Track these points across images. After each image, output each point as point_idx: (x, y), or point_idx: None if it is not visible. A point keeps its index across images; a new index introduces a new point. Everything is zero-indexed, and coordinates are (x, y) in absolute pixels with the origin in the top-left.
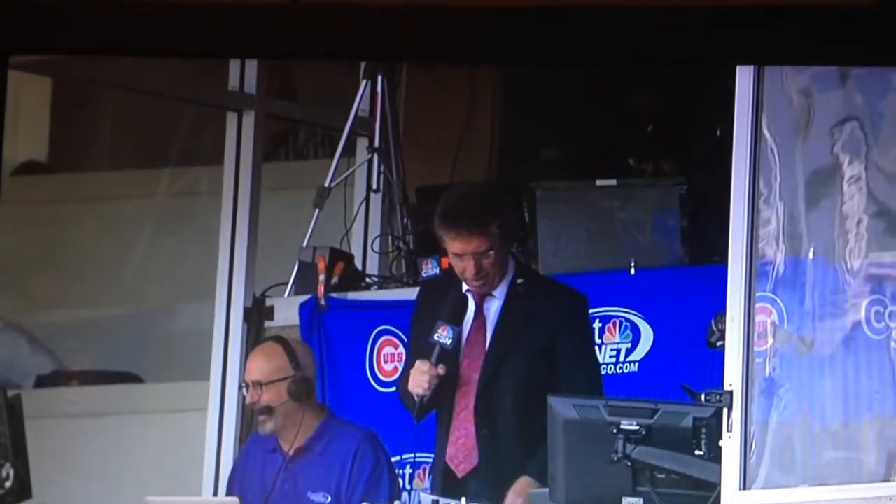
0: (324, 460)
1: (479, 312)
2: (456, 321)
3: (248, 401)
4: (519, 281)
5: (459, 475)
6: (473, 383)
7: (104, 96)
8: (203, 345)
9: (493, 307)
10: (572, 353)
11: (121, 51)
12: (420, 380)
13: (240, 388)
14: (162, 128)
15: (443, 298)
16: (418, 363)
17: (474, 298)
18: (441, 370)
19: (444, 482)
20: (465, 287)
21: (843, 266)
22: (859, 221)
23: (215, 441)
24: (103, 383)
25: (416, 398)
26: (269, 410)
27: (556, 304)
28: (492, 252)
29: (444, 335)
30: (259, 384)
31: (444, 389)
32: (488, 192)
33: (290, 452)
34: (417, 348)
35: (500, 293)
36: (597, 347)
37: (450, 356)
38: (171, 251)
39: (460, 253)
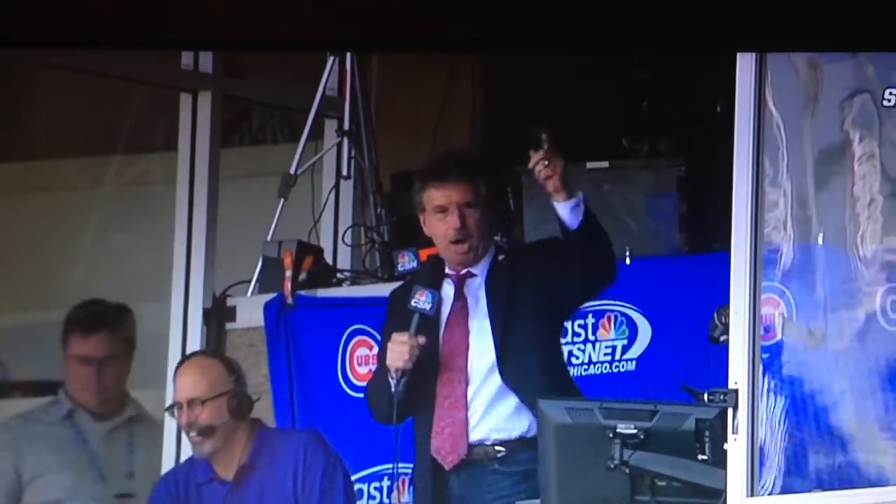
0: (271, 471)
1: (460, 295)
2: (434, 284)
3: (183, 421)
4: (500, 257)
5: (447, 467)
6: (458, 369)
7: (43, 77)
8: (158, 350)
9: (474, 286)
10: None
11: (66, 42)
12: (399, 351)
13: (169, 408)
14: (108, 111)
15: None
16: (395, 335)
17: (453, 281)
18: (421, 340)
19: (432, 479)
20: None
21: (855, 252)
22: (871, 202)
23: (173, 455)
24: (48, 394)
25: (392, 378)
26: (210, 430)
27: (539, 253)
28: (477, 206)
29: (422, 300)
30: (196, 401)
31: (424, 379)
32: (479, 158)
33: (232, 477)
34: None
35: (480, 271)
36: (590, 344)
37: (429, 332)
38: (121, 247)
39: (445, 204)
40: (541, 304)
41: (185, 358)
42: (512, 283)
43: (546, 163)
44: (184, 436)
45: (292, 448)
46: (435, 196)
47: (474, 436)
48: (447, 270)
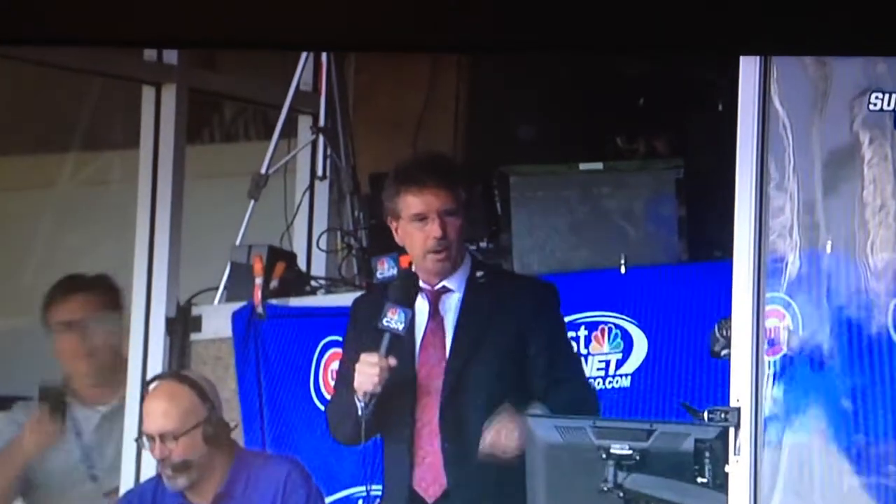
0: (248, 502)
1: (435, 312)
2: (406, 301)
3: (155, 455)
4: (478, 274)
5: (430, 500)
6: (436, 393)
7: None
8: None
9: (451, 303)
10: (549, 348)
11: (25, 39)
12: (369, 374)
13: (138, 440)
14: (65, 105)
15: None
16: (364, 356)
17: (428, 297)
18: (392, 362)
19: None
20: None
21: (865, 261)
22: (882, 208)
23: (132, 478)
24: None
25: (360, 401)
26: (185, 466)
27: (522, 295)
28: (458, 212)
29: (394, 319)
30: (169, 436)
31: (399, 404)
32: (455, 159)
33: None
34: (349, 372)
35: (457, 286)
36: (582, 358)
37: (402, 351)
38: (77, 251)
39: (424, 211)
40: (505, 357)
41: (154, 379)
42: (486, 318)
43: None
44: (145, 453)
45: (273, 478)
46: (413, 203)
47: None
48: (421, 284)
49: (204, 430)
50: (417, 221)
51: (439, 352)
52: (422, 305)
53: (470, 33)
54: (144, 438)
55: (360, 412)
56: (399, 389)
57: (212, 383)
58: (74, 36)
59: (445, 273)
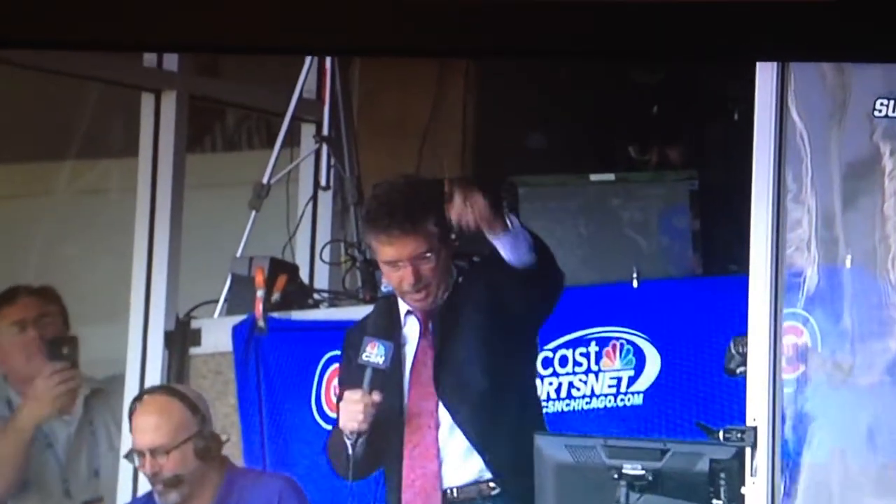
0: None
1: (426, 331)
2: (385, 335)
3: (146, 471)
4: (460, 279)
5: None
6: (426, 415)
7: None
8: (113, 377)
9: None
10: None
11: (26, 43)
12: (353, 412)
13: (128, 455)
14: (62, 112)
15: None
16: (347, 393)
17: (419, 317)
18: (376, 397)
19: None
20: (405, 308)
21: (886, 276)
22: None
23: (129, 494)
24: None
25: (348, 439)
26: (177, 481)
27: (482, 267)
28: (431, 254)
29: (374, 353)
30: (160, 450)
31: (391, 435)
32: (421, 185)
33: None
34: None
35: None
36: (592, 375)
37: (388, 382)
38: (73, 262)
39: (394, 260)
40: (487, 317)
41: (142, 394)
42: (461, 304)
43: (465, 205)
44: (140, 481)
45: (266, 496)
46: (383, 251)
47: (464, 477)
48: (411, 307)
49: (195, 443)
50: (390, 267)
51: (429, 369)
52: (412, 326)
53: (478, 40)
54: (134, 454)
55: (349, 451)
56: (389, 421)
57: (203, 396)
58: (74, 39)
59: (430, 308)
